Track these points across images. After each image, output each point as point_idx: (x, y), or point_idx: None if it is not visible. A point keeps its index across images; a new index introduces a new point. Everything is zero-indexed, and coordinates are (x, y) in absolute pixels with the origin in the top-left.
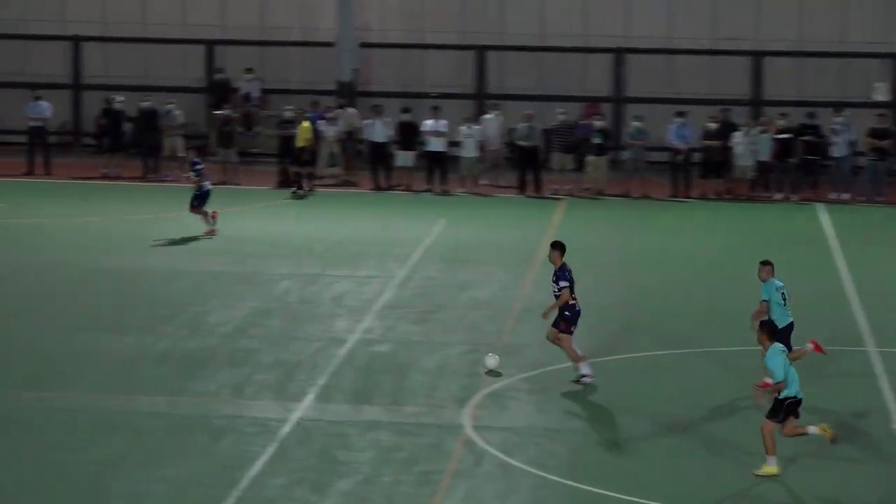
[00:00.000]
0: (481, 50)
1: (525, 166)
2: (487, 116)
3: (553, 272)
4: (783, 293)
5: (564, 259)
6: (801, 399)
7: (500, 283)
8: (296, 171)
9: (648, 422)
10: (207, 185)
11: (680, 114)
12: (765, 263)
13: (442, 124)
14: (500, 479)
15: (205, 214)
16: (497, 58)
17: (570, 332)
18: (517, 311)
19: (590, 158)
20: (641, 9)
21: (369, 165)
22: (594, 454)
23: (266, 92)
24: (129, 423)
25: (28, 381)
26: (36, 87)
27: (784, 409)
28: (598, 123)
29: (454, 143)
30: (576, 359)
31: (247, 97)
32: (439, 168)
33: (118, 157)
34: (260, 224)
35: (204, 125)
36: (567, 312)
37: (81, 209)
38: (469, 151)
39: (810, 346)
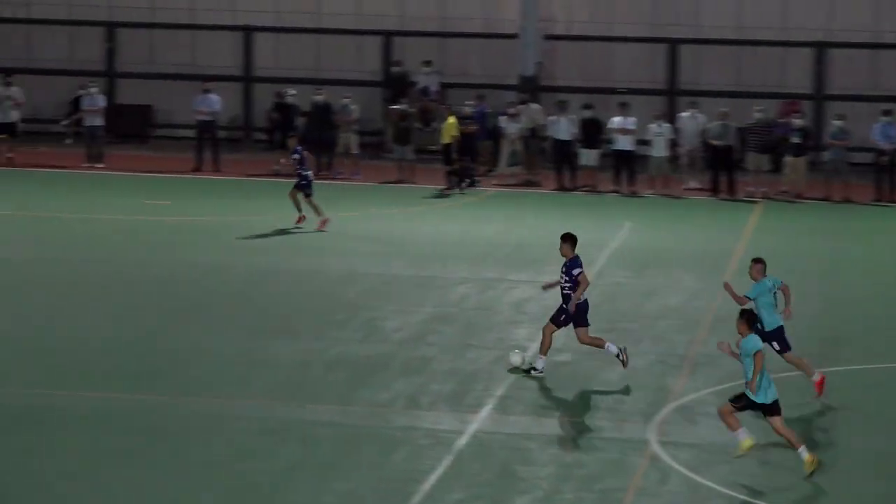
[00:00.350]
0: (674, 43)
1: (718, 167)
2: (684, 115)
3: (563, 264)
4: (776, 294)
5: (577, 252)
6: (770, 404)
7: (690, 291)
8: (451, 169)
9: (851, 440)
10: (309, 173)
11: (886, 112)
12: (756, 261)
13: (630, 121)
14: (686, 499)
15: (297, 203)
16: (690, 51)
17: (560, 326)
18: (709, 320)
19: (788, 159)
20: (845, 0)
21: (553, 164)
22: (791, 474)
23: (445, 86)
24: (299, 431)
25: (197, 387)
26: (205, 80)
27: (747, 404)
28: (797, 122)
29: (643, 142)
30: (543, 350)
31: (425, 91)
32: (627, 168)
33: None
34: (438, 225)
35: (379, 120)
36: (565, 306)
37: (251, 208)
38: (659, 151)
39: (817, 377)
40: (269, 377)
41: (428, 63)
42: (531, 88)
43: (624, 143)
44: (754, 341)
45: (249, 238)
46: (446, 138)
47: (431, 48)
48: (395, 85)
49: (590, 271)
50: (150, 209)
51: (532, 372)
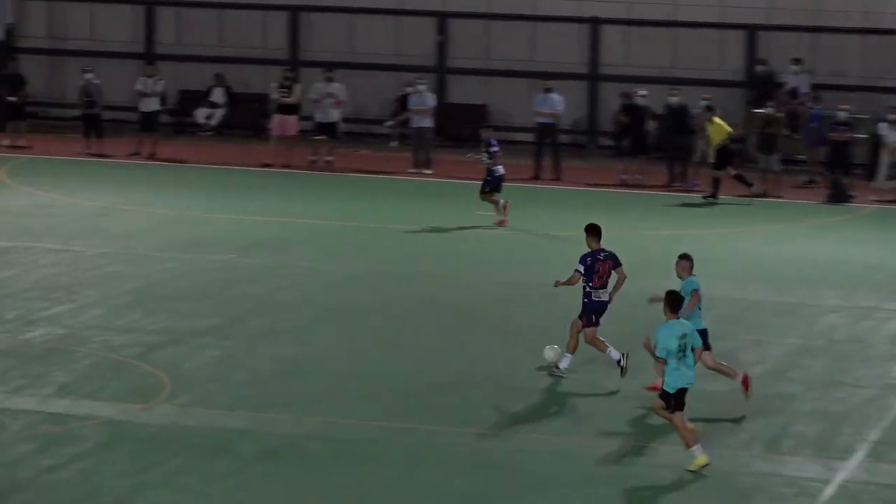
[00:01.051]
0: None
1: None
2: None
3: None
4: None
5: (602, 244)
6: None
7: None
8: (718, 175)
9: None
10: (500, 169)
11: None
12: (682, 258)
13: None
14: None
15: (496, 203)
16: None
17: (594, 325)
18: None
19: None
20: None
21: None
22: None
23: (816, 87)
24: (642, 474)
25: (526, 421)
26: (546, 78)
27: (673, 400)
28: None
29: None
30: (602, 349)
31: (793, 93)
32: None
33: (639, 161)
34: (805, 245)
35: (741, 126)
36: (585, 300)
37: (594, 220)
38: None
39: (740, 376)
40: (612, 413)
41: (798, 61)
42: None
43: None
44: (665, 333)
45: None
46: (716, 140)
47: (802, 45)
48: (760, 86)
49: None
50: (482, 220)
51: (554, 371)
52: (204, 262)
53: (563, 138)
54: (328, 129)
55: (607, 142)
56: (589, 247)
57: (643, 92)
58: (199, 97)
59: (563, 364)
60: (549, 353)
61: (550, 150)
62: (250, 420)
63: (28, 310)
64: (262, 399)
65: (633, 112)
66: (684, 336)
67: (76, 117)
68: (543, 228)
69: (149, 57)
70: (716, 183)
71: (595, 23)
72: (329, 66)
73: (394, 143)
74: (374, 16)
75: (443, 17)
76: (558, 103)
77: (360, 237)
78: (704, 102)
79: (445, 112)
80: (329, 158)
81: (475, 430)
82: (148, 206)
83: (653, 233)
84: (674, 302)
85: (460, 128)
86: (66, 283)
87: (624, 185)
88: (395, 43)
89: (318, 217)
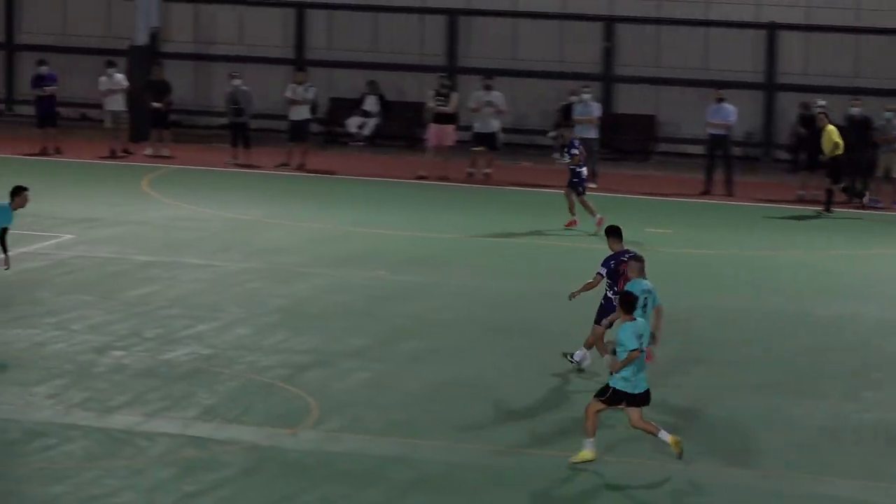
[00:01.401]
0: None
1: None
2: None
3: None
4: (646, 298)
5: (626, 246)
6: (637, 395)
7: None
8: (843, 186)
9: None
10: (584, 170)
11: None
12: (633, 259)
13: None
14: None
15: (578, 205)
16: None
17: (605, 327)
18: None
19: None
20: None
21: None
22: None
23: None
24: None
25: (703, 452)
26: (718, 87)
27: (613, 396)
28: None
29: None
30: (588, 345)
31: None
32: None
33: (817, 175)
34: None
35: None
36: (604, 302)
37: (767, 240)
38: None
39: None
40: (785, 443)
41: None
42: None
43: None
44: (627, 333)
45: (764, 276)
46: (826, 149)
47: None
48: None
49: None
50: (649, 238)
51: (572, 362)
52: (354, 279)
53: (736, 151)
54: (487, 139)
55: (783, 155)
56: (611, 249)
57: (822, 102)
58: (352, 105)
59: (577, 356)
60: (579, 355)
61: (722, 163)
62: (403, 446)
63: (169, 328)
64: (414, 424)
65: (812, 124)
66: (640, 337)
67: (223, 126)
68: (715, 247)
69: (299, 63)
70: (828, 195)
71: (772, 28)
72: (488, 74)
73: (556, 156)
74: (537, 20)
75: (610, 22)
76: (731, 114)
77: (519, 254)
78: (888, 114)
79: (612, 122)
80: (488, 171)
81: (644, 459)
82: (296, 220)
83: (836, 252)
84: (626, 303)
85: (627, 139)
86: (210, 301)
87: (801, 201)
88: (559, 49)
89: (474, 232)
